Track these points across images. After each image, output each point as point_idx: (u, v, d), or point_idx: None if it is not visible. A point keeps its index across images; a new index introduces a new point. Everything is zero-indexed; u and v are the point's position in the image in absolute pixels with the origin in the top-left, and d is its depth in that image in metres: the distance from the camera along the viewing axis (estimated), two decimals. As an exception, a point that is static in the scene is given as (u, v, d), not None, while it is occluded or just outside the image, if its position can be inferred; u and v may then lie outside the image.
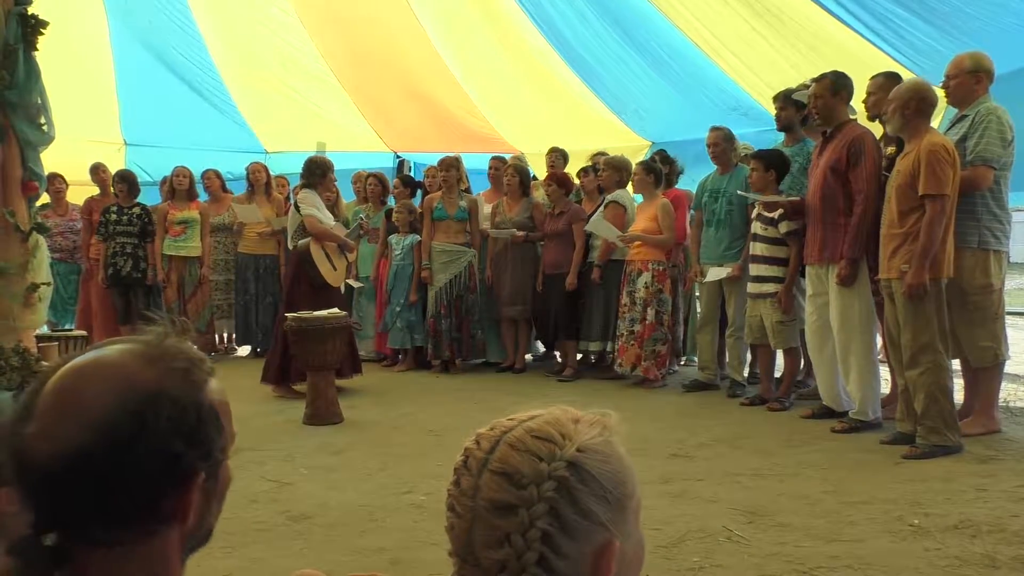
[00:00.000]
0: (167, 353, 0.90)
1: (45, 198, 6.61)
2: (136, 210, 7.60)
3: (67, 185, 7.95)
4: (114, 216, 7.50)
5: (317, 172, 6.19)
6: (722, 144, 5.91)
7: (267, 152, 10.16)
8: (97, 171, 7.90)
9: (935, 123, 4.54)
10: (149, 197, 8.16)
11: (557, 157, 7.38)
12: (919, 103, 4.13)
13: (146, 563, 0.86)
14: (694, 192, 6.31)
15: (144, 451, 0.83)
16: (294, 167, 9.88)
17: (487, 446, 0.93)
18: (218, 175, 8.12)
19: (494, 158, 7.67)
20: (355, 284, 7.55)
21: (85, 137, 8.66)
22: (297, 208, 6.12)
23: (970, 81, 4.40)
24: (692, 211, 6.34)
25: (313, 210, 6.09)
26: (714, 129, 6.00)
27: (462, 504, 0.91)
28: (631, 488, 0.93)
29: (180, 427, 0.85)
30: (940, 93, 4.56)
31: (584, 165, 7.12)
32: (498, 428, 0.95)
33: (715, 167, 6.03)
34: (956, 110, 4.56)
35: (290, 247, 6.31)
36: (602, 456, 0.91)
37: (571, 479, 0.87)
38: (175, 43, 8.92)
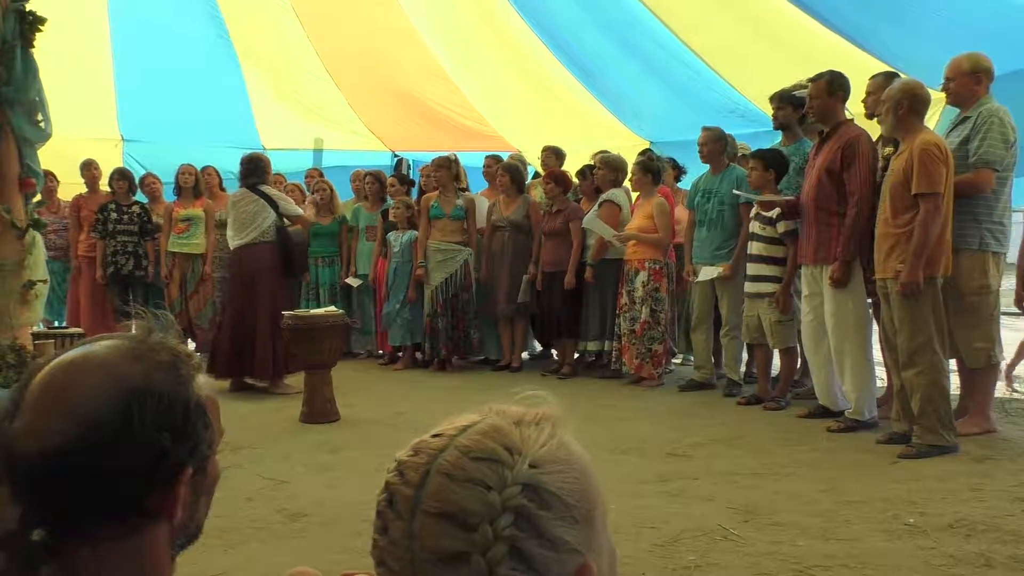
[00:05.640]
0: (153, 349, 0.90)
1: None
2: (135, 208, 7.62)
3: (58, 182, 7.93)
4: (114, 214, 7.50)
5: (264, 168, 6.27)
6: (711, 144, 5.91)
7: (264, 148, 10.13)
8: (89, 167, 7.87)
9: (931, 123, 4.54)
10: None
11: (550, 155, 7.37)
12: (911, 102, 4.13)
13: (134, 558, 0.86)
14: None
15: (130, 446, 0.83)
16: (291, 165, 9.91)
17: (415, 479, 0.74)
18: (216, 172, 8.13)
19: (488, 156, 7.68)
20: (353, 282, 7.56)
21: (82, 134, 8.63)
22: (273, 203, 6.10)
23: (970, 82, 4.39)
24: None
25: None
26: (705, 129, 6.00)
27: (396, 557, 0.73)
28: (595, 494, 0.77)
29: (167, 422, 0.85)
30: (935, 94, 4.56)
31: (584, 165, 7.09)
32: (423, 451, 0.76)
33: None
34: (957, 111, 4.55)
35: (237, 242, 6.12)
36: (560, 465, 0.74)
37: (530, 506, 0.71)
38: (195, 28, 8.89)
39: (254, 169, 6.20)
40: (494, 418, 0.77)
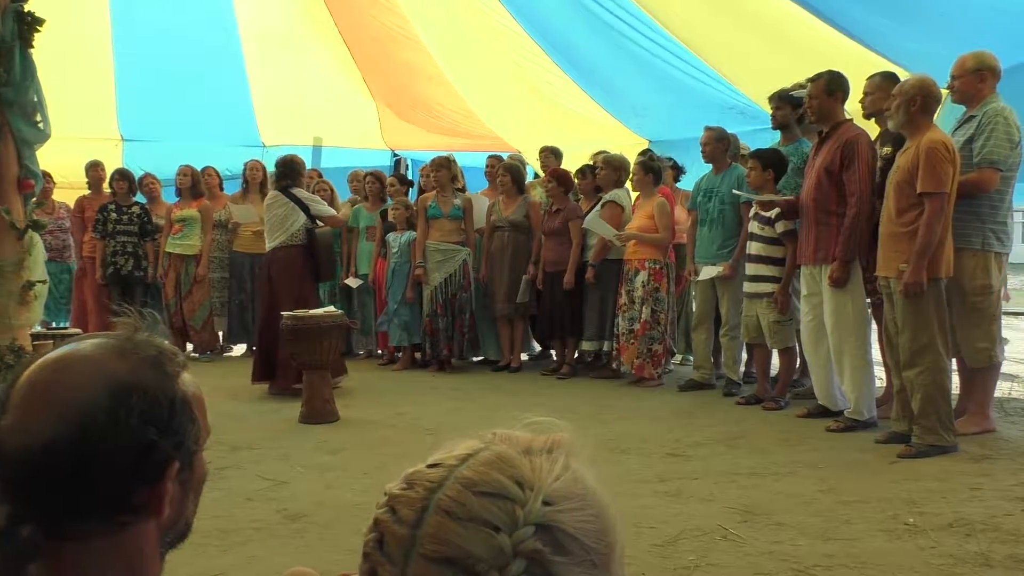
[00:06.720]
0: (139, 346, 0.91)
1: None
2: (135, 209, 7.63)
3: (54, 183, 7.93)
4: (114, 215, 7.52)
5: (298, 171, 6.23)
6: (712, 144, 5.91)
7: (264, 146, 10.13)
8: (95, 168, 7.90)
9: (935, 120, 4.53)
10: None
11: (548, 155, 7.37)
12: (924, 99, 4.11)
13: (122, 555, 0.87)
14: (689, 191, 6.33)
15: (117, 442, 0.83)
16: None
17: (410, 517, 0.64)
18: (216, 173, 8.13)
19: (491, 156, 7.69)
20: (352, 283, 7.56)
21: (81, 134, 8.63)
22: (304, 205, 6.07)
23: (975, 80, 4.38)
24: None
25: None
26: (707, 129, 6.01)
27: None
28: (615, 535, 0.67)
29: (153, 417, 0.86)
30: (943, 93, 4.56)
31: (583, 164, 7.09)
32: (419, 484, 0.66)
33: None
34: (963, 110, 4.54)
35: (268, 245, 6.13)
36: (577, 501, 0.65)
37: (545, 551, 0.61)
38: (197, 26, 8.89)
39: (287, 172, 6.15)
40: (499, 446, 0.67)
